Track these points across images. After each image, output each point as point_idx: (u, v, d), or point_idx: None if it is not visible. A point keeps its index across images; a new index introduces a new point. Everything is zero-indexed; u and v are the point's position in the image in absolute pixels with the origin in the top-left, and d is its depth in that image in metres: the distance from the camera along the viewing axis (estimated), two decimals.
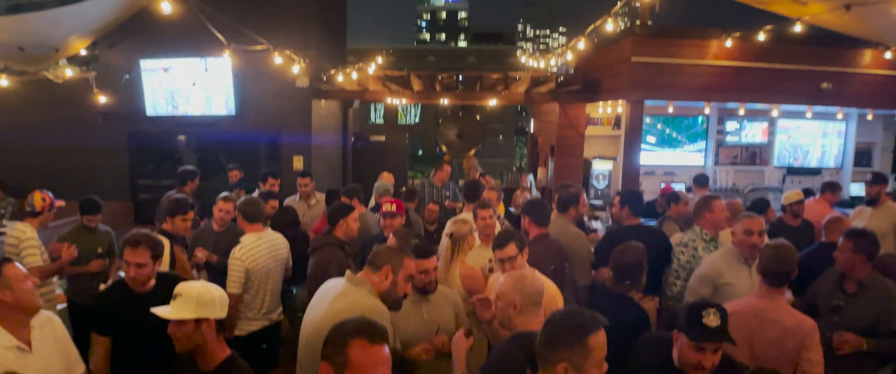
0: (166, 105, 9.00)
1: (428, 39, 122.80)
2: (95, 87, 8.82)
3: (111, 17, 8.05)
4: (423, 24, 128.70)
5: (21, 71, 8.52)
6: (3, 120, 9.34)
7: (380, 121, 39.32)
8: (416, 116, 43.40)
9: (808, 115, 9.72)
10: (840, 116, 9.87)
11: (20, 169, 8.95)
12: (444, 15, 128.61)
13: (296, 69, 7.65)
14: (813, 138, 10.03)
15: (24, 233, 4.64)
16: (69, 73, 8.64)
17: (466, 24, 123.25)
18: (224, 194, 5.33)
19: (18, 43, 7.26)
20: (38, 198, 4.81)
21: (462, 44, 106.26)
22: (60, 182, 7.49)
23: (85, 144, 9.25)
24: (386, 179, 7.36)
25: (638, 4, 6.64)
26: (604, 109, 9.91)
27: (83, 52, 8.88)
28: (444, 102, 9.73)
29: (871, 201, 6.08)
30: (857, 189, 9.67)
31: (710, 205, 4.39)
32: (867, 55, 7.59)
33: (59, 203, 4.98)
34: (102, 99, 8.77)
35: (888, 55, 7.13)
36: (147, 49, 8.84)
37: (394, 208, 4.76)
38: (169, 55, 8.73)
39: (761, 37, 6.82)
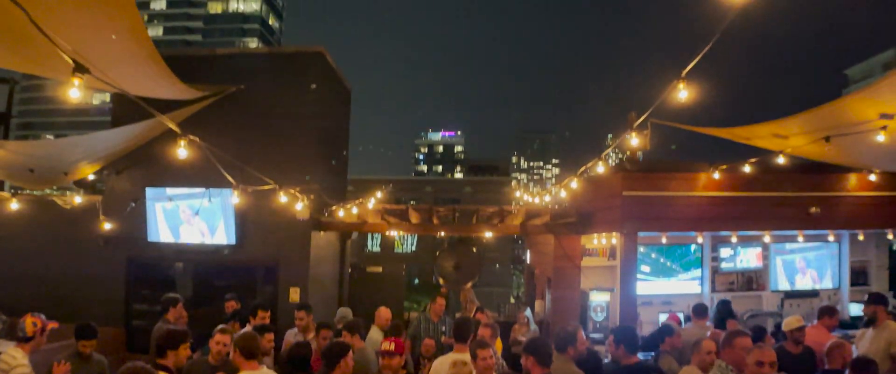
0: (168, 232, 9.13)
1: (425, 171, 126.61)
2: (101, 213, 9.00)
3: (121, 147, 8.40)
4: (421, 156, 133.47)
5: (28, 190, 8.73)
6: (5, 235, 9.44)
7: (377, 249, 39.42)
8: (412, 244, 43.58)
9: (801, 239, 9.87)
10: (832, 237, 10.00)
11: (16, 286, 8.91)
12: (440, 148, 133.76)
13: (299, 206, 7.86)
14: (807, 261, 10.11)
15: (14, 359, 4.57)
16: (78, 200, 8.85)
17: (462, 157, 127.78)
18: (221, 326, 5.26)
19: (30, 165, 7.54)
20: (29, 323, 4.77)
21: (458, 175, 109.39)
22: (56, 303, 7.41)
23: (83, 266, 9.27)
24: (383, 314, 7.31)
25: (626, 154, 7.02)
26: (599, 240, 10.06)
27: (91, 177, 9.14)
28: (442, 234, 9.90)
29: (870, 321, 6.03)
30: (856, 309, 9.58)
31: (731, 342, 4.34)
32: (852, 179, 7.88)
33: (52, 325, 4.93)
34: (107, 225, 8.91)
35: (873, 177, 7.41)
36: (153, 177, 9.11)
37: (393, 346, 4.68)
38: (174, 185, 8.98)
39: (747, 169, 7.13)
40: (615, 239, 9.57)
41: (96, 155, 8.33)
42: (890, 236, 9.76)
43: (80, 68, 3.04)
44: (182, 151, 4.58)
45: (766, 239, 9.83)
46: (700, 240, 10.00)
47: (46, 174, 8.09)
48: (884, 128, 4.96)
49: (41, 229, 9.44)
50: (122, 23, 3.82)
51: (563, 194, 9.63)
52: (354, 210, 9.53)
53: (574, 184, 7.46)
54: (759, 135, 6.48)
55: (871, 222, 8.21)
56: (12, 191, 9.04)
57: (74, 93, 3.10)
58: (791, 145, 6.33)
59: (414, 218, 9.50)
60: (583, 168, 6.92)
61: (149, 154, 8.90)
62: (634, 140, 4.99)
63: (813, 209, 7.72)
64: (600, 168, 6.43)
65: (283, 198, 7.45)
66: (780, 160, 6.38)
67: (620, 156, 8.73)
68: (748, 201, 7.74)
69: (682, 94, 3.50)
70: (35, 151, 7.34)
